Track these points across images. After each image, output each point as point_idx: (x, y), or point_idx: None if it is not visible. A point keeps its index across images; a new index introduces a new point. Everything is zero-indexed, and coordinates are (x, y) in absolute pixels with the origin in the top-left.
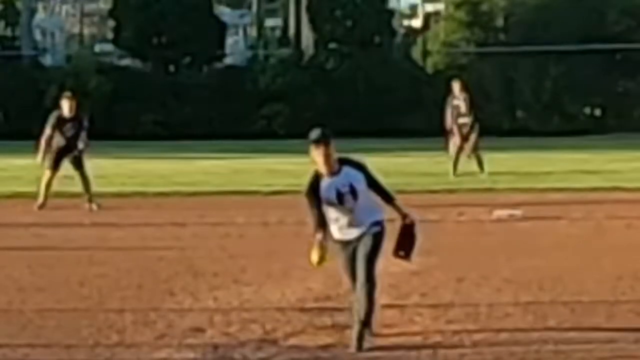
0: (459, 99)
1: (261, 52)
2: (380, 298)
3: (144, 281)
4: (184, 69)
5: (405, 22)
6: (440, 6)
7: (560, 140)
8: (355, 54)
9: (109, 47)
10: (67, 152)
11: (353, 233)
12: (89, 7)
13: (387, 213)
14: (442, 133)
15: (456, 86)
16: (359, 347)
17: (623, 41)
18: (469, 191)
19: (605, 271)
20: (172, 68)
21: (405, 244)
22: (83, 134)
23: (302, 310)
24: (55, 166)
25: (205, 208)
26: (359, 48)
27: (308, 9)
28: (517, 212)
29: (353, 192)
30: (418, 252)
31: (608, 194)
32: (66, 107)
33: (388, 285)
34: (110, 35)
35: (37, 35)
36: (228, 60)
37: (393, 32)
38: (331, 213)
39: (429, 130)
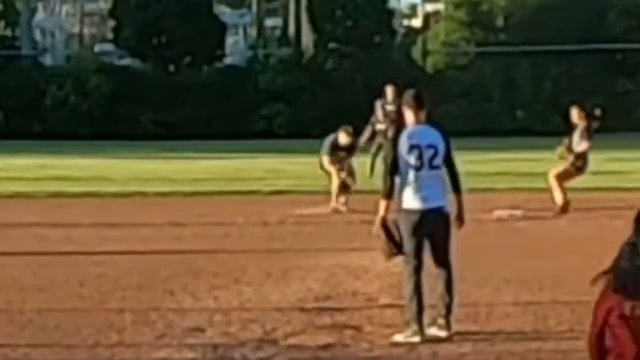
0: (392, 104)
1: (261, 52)
2: (380, 298)
3: (144, 281)
4: (184, 69)
5: (405, 22)
6: (440, 6)
7: (560, 140)
8: (355, 54)
9: (109, 47)
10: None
11: None
12: (89, 7)
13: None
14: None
15: (390, 91)
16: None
17: (623, 41)
18: (469, 191)
19: None
20: (172, 68)
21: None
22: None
23: (302, 310)
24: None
25: (205, 208)
26: (359, 48)
27: (308, 9)
28: (517, 212)
29: None
30: None
31: (608, 194)
32: (343, 139)
33: (388, 285)
34: (110, 35)
35: (37, 35)
36: (228, 60)
37: (393, 32)
38: None
39: None
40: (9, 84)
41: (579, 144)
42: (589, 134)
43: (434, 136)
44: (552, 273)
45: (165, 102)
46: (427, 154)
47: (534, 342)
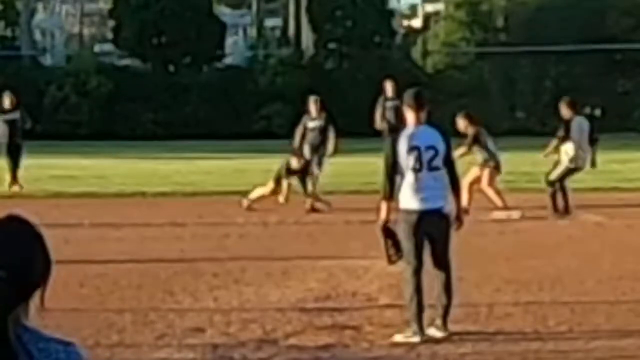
0: (392, 101)
1: (261, 52)
2: (380, 298)
3: (144, 281)
4: (184, 69)
5: (405, 22)
6: (440, 6)
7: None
8: (355, 54)
9: (109, 47)
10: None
11: None
12: (89, 7)
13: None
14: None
15: (389, 87)
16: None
17: (623, 41)
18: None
19: (605, 271)
20: (172, 68)
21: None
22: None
23: (302, 310)
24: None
25: (205, 208)
26: (359, 48)
27: (308, 9)
28: (514, 213)
29: None
30: None
31: (608, 194)
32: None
33: (388, 285)
34: (110, 35)
35: (37, 35)
36: (228, 60)
37: (393, 32)
38: None
39: None
40: (9, 84)
41: (477, 152)
42: (473, 141)
43: (434, 137)
44: (552, 273)
45: (165, 102)
46: (427, 155)
47: (534, 342)
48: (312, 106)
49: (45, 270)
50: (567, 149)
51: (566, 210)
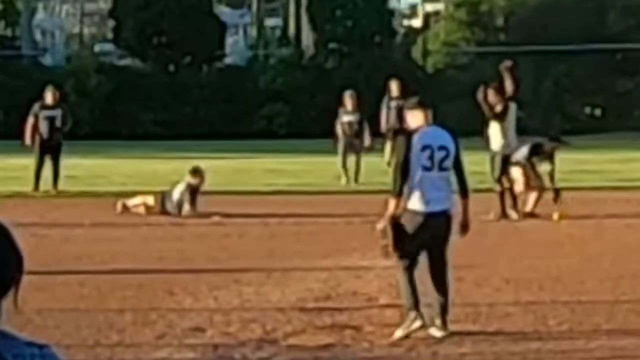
0: (396, 100)
1: (261, 52)
2: (380, 298)
3: (144, 281)
4: (184, 69)
5: (405, 22)
6: (440, 6)
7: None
8: (355, 54)
9: (109, 47)
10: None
11: None
12: (89, 7)
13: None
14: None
15: (394, 87)
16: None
17: (623, 41)
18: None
19: (605, 271)
20: (172, 68)
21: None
22: None
23: (302, 310)
24: None
25: (205, 208)
26: (359, 48)
27: (308, 8)
28: (513, 213)
29: None
30: None
31: (608, 194)
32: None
33: (388, 285)
34: (110, 35)
35: (37, 35)
36: (228, 60)
37: (393, 32)
38: None
39: None
40: (9, 84)
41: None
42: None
43: (446, 138)
44: (552, 273)
45: (165, 102)
46: (439, 155)
47: (534, 342)
48: (348, 100)
49: (16, 270)
50: (495, 137)
51: (514, 207)
